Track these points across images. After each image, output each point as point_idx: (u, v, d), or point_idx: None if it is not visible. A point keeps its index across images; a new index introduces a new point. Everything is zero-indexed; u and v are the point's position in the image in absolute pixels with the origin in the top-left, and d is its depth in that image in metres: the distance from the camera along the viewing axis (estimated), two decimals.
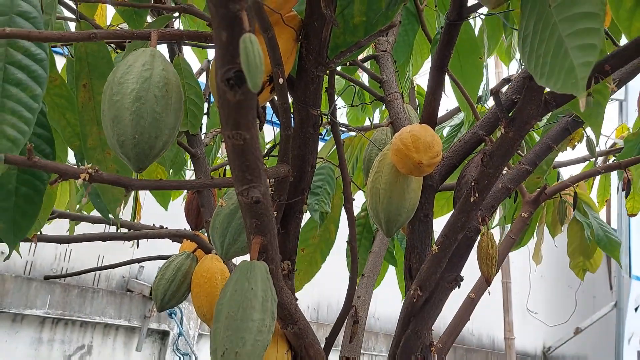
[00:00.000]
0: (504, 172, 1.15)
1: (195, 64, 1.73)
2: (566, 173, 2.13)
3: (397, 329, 1.13)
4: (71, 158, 1.35)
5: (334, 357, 2.04)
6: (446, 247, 1.00)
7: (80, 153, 1.15)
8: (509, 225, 1.78)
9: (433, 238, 1.15)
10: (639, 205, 2.00)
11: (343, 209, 1.18)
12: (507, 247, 1.56)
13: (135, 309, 3.85)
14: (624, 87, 5.26)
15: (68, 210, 1.60)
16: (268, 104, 1.07)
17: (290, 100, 0.91)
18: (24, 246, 2.77)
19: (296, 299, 0.92)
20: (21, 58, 0.81)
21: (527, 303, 5.50)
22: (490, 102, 1.79)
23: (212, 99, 1.78)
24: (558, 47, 0.63)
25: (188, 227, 1.50)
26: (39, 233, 1.24)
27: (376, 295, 1.82)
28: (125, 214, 2.19)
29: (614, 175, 2.56)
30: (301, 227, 1.12)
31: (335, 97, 1.15)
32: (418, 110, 1.94)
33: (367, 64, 1.59)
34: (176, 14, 1.32)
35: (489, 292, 1.38)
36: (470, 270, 1.19)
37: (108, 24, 1.76)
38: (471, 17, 1.45)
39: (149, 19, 1.49)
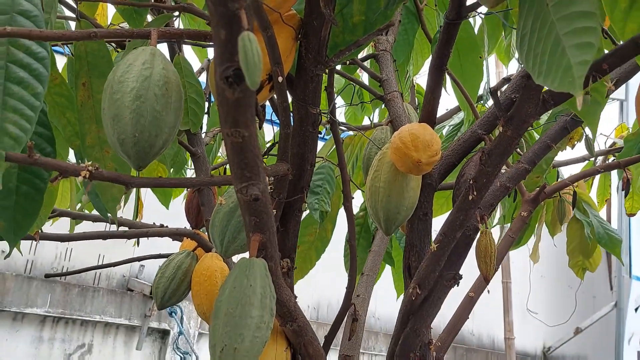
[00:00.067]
0: (503, 171, 1.15)
1: (195, 63, 1.74)
2: (566, 173, 2.13)
3: (396, 326, 1.13)
4: (71, 158, 1.36)
5: (333, 355, 2.05)
6: (445, 245, 1.01)
7: (80, 152, 1.16)
8: (509, 224, 1.78)
9: (432, 236, 1.16)
10: (638, 204, 2.00)
11: (340, 208, 1.18)
12: (507, 246, 1.56)
13: (135, 308, 3.85)
14: (624, 87, 5.27)
15: (69, 209, 1.60)
16: (267, 103, 1.07)
17: (289, 98, 0.91)
18: (24, 245, 2.78)
19: (295, 297, 0.92)
20: (22, 56, 0.81)
21: (527, 303, 5.51)
22: (491, 102, 1.79)
23: (212, 98, 1.78)
24: (555, 46, 0.63)
25: (188, 226, 1.50)
26: (40, 231, 1.25)
27: (376, 294, 1.83)
28: (128, 212, 2.20)
29: (614, 175, 2.56)
30: None
31: (335, 96, 1.16)
32: (417, 110, 1.94)
33: (367, 63, 1.59)
34: (176, 13, 1.32)
35: (488, 291, 1.39)
36: (470, 269, 1.20)
37: (109, 23, 1.77)
38: (470, 16, 1.45)
39: (149, 18, 1.49)
